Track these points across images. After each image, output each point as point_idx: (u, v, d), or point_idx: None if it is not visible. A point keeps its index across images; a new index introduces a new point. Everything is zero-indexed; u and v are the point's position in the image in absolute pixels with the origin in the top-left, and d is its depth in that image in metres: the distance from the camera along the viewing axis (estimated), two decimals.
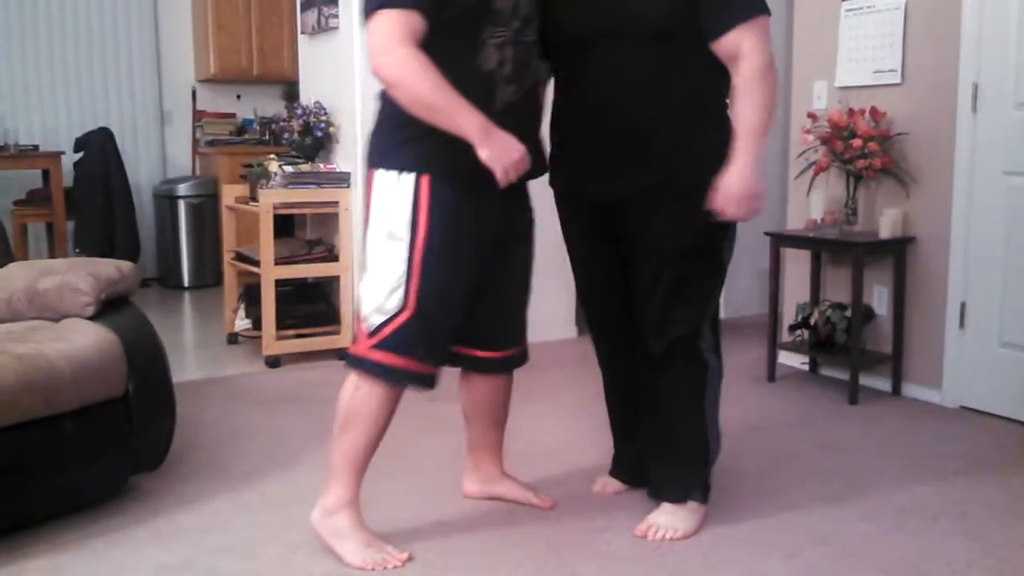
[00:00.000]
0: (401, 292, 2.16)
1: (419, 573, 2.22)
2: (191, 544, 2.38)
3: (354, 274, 4.32)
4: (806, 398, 3.75)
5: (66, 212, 5.85)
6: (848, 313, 3.73)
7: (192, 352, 4.64)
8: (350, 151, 4.34)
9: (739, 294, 5.12)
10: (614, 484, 2.71)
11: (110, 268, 2.83)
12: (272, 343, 4.21)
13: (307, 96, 4.72)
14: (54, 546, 2.35)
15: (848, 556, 2.32)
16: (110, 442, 2.55)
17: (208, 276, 6.42)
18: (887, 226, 3.66)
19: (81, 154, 5.93)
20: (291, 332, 4.32)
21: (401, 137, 2.16)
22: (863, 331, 3.74)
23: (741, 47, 2.19)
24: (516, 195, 2.29)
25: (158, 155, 6.72)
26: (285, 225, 4.67)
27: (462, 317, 2.28)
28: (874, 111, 3.70)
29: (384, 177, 2.19)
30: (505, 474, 2.66)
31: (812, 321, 3.87)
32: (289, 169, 4.25)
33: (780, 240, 3.93)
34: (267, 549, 2.35)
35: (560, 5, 2.26)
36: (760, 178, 2.21)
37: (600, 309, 2.58)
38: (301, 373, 4.13)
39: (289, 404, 3.62)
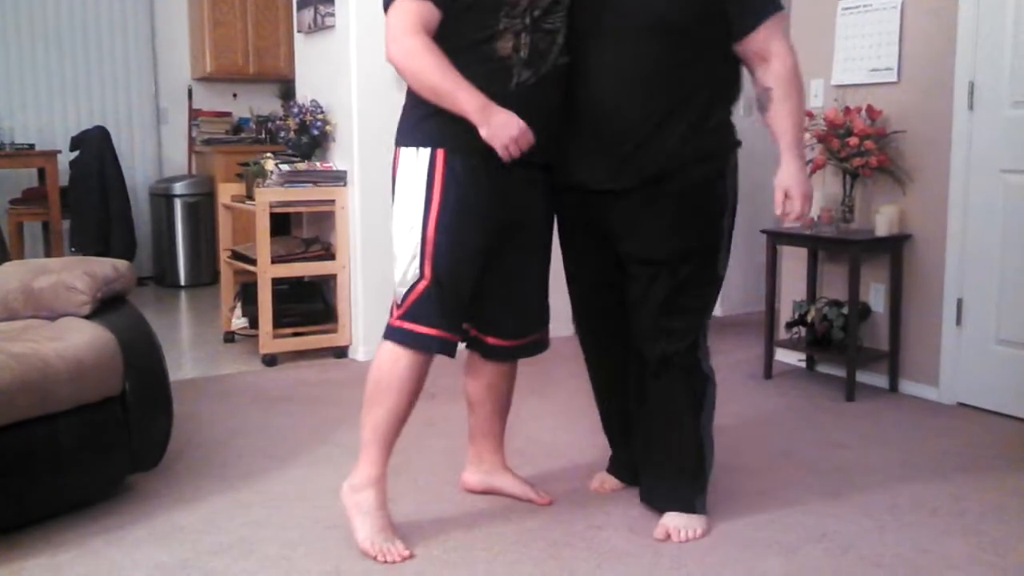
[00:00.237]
0: (418, 263, 2.25)
1: (418, 569, 2.22)
2: (189, 543, 2.38)
3: (350, 272, 4.33)
4: (803, 395, 3.75)
5: (62, 211, 5.84)
6: (845, 310, 3.74)
7: (189, 351, 4.64)
8: (346, 149, 4.34)
9: (736, 292, 5.11)
10: (612, 481, 2.71)
11: (106, 267, 2.83)
12: (269, 341, 4.20)
13: (303, 94, 4.71)
14: (52, 545, 2.35)
15: (846, 552, 2.32)
16: (107, 441, 2.54)
17: (204, 275, 6.42)
18: (884, 224, 3.66)
19: (77, 153, 5.92)
20: (287, 330, 4.32)
21: (419, 115, 2.26)
22: (860, 328, 3.74)
23: (771, 46, 2.24)
24: (533, 181, 2.35)
25: (154, 154, 6.72)
26: (281, 224, 4.67)
27: (476, 297, 2.34)
28: (870, 109, 3.71)
29: (406, 154, 2.29)
30: (506, 468, 2.66)
31: (809, 318, 3.87)
32: (285, 167, 4.25)
33: (777, 237, 3.93)
34: (265, 548, 2.35)
35: None
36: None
37: (594, 314, 2.56)
38: (298, 371, 4.12)
39: (286, 402, 3.61)
